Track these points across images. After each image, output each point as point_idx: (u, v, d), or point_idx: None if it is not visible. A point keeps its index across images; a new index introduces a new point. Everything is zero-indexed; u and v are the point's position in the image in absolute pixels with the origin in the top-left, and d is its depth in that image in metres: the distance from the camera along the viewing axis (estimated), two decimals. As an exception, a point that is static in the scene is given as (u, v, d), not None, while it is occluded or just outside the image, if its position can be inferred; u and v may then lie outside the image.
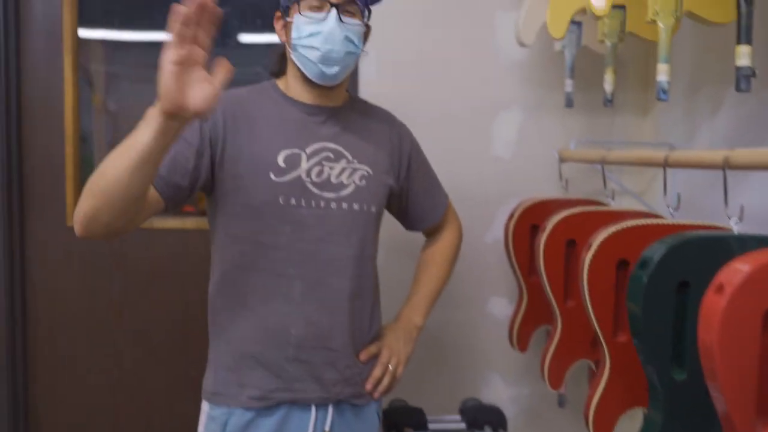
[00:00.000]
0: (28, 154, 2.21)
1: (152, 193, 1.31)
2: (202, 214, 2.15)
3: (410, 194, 1.63)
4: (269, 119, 1.46)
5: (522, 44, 1.95)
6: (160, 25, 2.11)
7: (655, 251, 1.20)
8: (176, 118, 1.07)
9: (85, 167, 2.23)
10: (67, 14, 2.17)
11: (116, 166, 1.15)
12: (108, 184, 1.17)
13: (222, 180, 1.42)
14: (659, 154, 1.49)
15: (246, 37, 2.31)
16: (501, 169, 2.21)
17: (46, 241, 2.23)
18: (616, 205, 1.83)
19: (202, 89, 1.05)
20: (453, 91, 2.18)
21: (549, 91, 2.18)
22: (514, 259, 1.98)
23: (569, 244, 1.71)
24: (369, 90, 2.10)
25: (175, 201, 1.38)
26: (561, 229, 1.70)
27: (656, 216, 1.59)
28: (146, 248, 2.24)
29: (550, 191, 2.11)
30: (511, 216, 1.97)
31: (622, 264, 1.45)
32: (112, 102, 2.31)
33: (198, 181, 1.40)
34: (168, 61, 1.02)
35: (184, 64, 1.02)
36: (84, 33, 2.21)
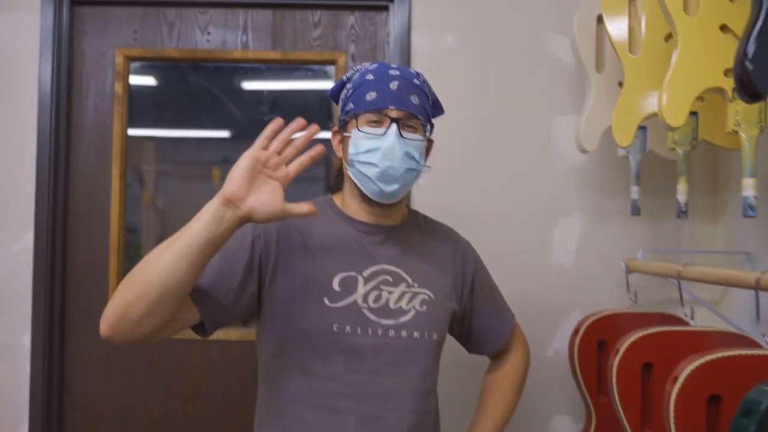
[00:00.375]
0: (72, 261, 2.16)
1: (189, 305, 1.24)
2: (246, 323, 2.06)
3: (474, 316, 1.51)
4: (325, 239, 1.38)
5: (584, 151, 1.86)
6: (207, 125, 2.23)
7: (763, 397, 1.06)
8: (231, 207, 1.12)
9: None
10: (117, 117, 2.15)
11: (159, 256, 1.14)
12: (147, 275, 1.13)
13: (271, 303, 1.33)
14: (749, 275, 1.36)
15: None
16: (562, 278, 2.11)
17: (84, 350, 2.15)
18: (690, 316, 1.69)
19: (269, 195, 1.14)
20: (510, 198, 2.11)
21: (611, 196, 2.09)
22: (580, 378, 1.84)
23: (646, 366, 1.56)
24: (423, 198, 2.02)
25: (213, 319, 1.28)
26: (637, 351, 1.56)
27: (745, 338, 1.45)
28: (187, 359, 2.14)
29: (616, 302, 1.99)
30: (576, 331, 1.84)
31: (713, 398, 1.30)
32: (160, 199, 2.28)
33: (242, 300, 1.31)
34: (247, 153, 1.14)
35: (260, 164, 1.14)
36: (136, 132, 2.22)
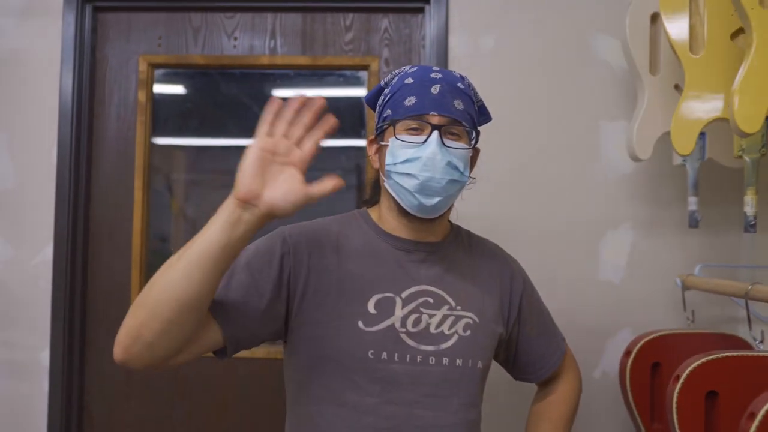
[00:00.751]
0: (93, 275, 2.08)
1: (211, 325, 1.13)
2: (274, 340, 1.97)
3: (521, 340, 1.39)
4: (360, 257, 1.26)
5: (636, 160, 1.72)
6: (235, 133, 2.16)
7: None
8: (248, 208, 1.03)
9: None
10: (140, 126, 2.07)
11: (169, 269, 1.04)
12: (158, 291, 1.04)
13: (300, 326, 1.22)
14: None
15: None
16: (610, 294, 1.98)
17: (105, 368, 2.06)
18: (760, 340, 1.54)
19: (287, 184, 1.03)
20: (554, 209, 1.99)
21: (664, 207, 1.97)
22: (632, 402, 1.71)
23: (710, 395, 1.42)
24: (463, 208, 1.89)
25: (237, 341, 1.17)
26: (700, 378, 1.42)
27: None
28: (212, 376, 2.05)
29: (670, 321, 1.90)
30: (628, 352, 1.72)
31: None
32: (190, 208, 2.21)
33: (269, 322, 1.20)
34: (253, 146, 1.03)
35: (269, 154, 1.03)
36: (164, 140, 2.15)
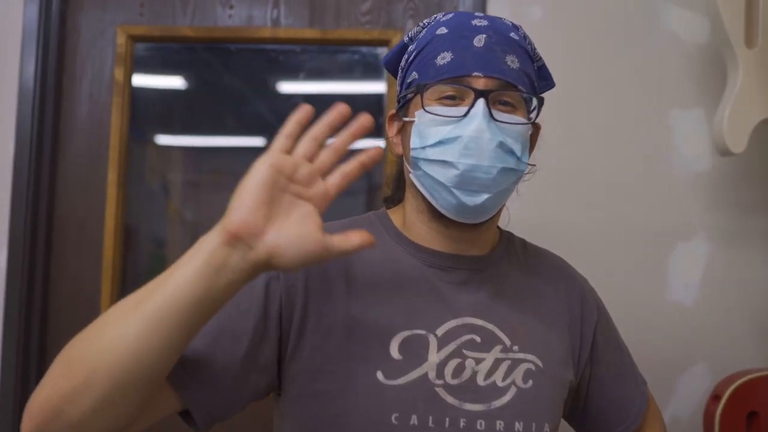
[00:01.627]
0: (55, 286, 1.76)
1: (166, 390, 0.80)
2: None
3: (593, 385, 1.05)
4: (378, 278, 0.92)
5: (726, 153, 1.41)
6: (242, 131, 1.85)
7: None
8: (240, 248, 0.70)
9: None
10: (117, 109, 1.75)
11: (117, 323, 0.72)
12: (96, 352, 0.71)
13: (295, 378, 0.88)
14: None
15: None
16: (681, 320, 1.68)
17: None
18: None
19: (300, 227, 0.72)
20: (613, 215, 1.68)
21: (748, 213, 1.67)
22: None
23: (751, 415, 1.23)
24: (509, 213, 1.58)
25: (208, 410, 0.83)
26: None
27: None
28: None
29: (756, 355, 1.62)
30: (716, 397, 1.45)
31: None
32: (189, 211, 1.93)
33: (250, 378, 0.86)
34: (263, 160, 0.72)
35: (284, 178, 0.72)
36: (163, 140, 1.89)
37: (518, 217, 1.14)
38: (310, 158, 0.74)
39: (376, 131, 1.75)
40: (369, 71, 1.83)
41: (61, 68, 1.76)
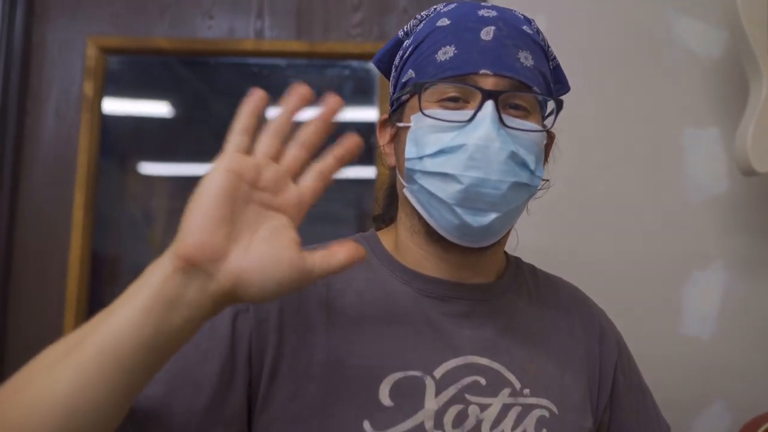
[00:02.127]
0: (14, 322, 1.61)
1: None
2: None
3: (613, 431, 0.92)
4: (364, 309, 0.79)
5: (749, 172, 1.32)
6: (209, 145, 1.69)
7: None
8: (197, 277, 0.56)
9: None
10: (86, 127, 1.63)
11: (52, 372, 0.58)
12: (26, 409, 0.57)
13: (267, 429, 0.74)
14: None
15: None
16: (696, 355, 1.57)
17: None
18: None
19: (268, 243, 0.58)
20: (622, 241, 1.57)
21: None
22: None
23: None
24: (518, 236, 1.47)
25: None
26: None
27: None
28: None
29: None
30: None
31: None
32: (171, 239, 1.73)
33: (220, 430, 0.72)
34: (216, 169, 0.58)
35: (245, 184, 0.58)
36: (150, 169, 1.77)
37: (520, 245, 1.02)
38: (275, 157, 0.60)
39: (367, 157, 1.65)
40: (360, 87, 1.72)
41: (24, 83, 1.64)
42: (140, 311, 0.56)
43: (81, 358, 0.56)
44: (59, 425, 0.56)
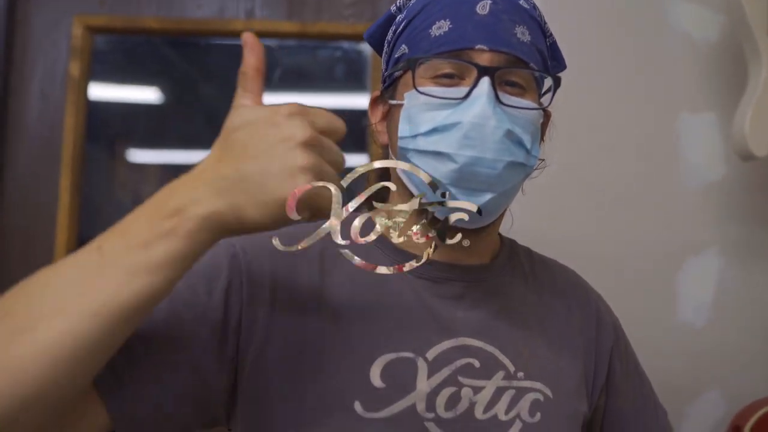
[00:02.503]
0: None
1: (90, 401, 0.64)
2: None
3: (608, 419, 0.90)
4: (356, 291, 0.77)
5: (748, 157, 1.33)
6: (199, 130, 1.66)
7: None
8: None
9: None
10: (71, 109, 1.59)
11: (22, 337, 0.57)
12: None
13: (251, 405, 0.72)
14: None
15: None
16: (691, 342, 1.56)
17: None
18: None
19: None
20: (616, 227, 1.56)
21: (764, 225, 1.57)
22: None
23: None
24: (512, 216, 1.46)
25: (138, 424, 0.66)
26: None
27: None
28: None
29: None
30: (737, 428, 1.35)
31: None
32: None
33: (200, 402, 0.70)
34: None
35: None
36: (139, 156, 1.74)
37: (514, 231, 1.01)
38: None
39: (359, 144, 1.63)
40: (352, 69, 1.69)
41: (8, 63, 1.61)
42: (164, 253, 0.57)
43: (59, 328, 0.56)
44: (23, 406, 0.55)
